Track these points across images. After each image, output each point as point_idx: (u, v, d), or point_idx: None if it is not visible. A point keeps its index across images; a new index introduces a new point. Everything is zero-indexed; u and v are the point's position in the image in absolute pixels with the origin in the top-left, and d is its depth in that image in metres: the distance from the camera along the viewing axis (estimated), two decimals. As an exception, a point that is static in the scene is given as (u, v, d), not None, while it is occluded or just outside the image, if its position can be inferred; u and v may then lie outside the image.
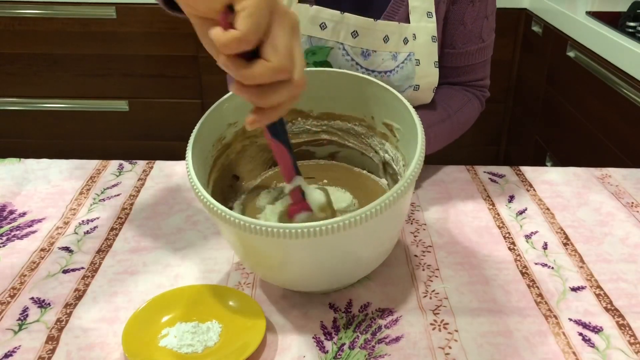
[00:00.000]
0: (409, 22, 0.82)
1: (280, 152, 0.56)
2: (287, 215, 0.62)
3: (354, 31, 0.79)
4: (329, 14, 0.79)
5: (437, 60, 0.84)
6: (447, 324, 0.61)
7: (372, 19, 0.79)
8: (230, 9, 0.43)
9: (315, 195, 0.60)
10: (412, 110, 0.63)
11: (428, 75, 0.83)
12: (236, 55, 0.43)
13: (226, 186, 0.70)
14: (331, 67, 0.80)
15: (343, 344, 0.58)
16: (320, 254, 0.56)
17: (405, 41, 0.81)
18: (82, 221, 0.77)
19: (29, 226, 0.76)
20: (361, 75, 0.68)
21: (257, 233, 0.52)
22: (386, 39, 0.80)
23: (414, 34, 0.82)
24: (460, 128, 0.92)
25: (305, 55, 0.80)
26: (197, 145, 0.61)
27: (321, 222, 0.51)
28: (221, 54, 0.43)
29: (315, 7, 0.79)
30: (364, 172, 0.75)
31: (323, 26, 0.79)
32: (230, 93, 0.68)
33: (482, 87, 0.96)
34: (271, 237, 0.52)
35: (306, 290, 0.64)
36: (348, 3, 0.81)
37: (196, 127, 0.63)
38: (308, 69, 0.72)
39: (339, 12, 0.79)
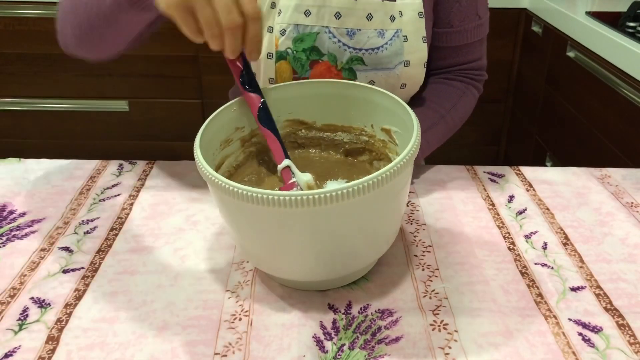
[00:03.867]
0: (394, 0, 0.83)
1: (269, 137, 0.66)
2: None
3: (336, 12, 0.81)
4: (311, 0, 0.81)
5: (425, 35, 0.85)
6: (446, 324, 0.61)
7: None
8: None
9: (302, 176, 0.67)
10: (405, 105, 0.65)
11: (417, 50, 0.85)
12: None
13: None
14: (320, 51, 0.82)
15: (343, 344, 0.58)
16: (316, 226, 0.56)
17: (392, 19, 0.83)
18: (82, 221, 0.77)
19: (29, 226, 0.76)
20: (354, 82, 0.70)
21: (256, 202, 0.52)
22: (369, 17, 0.82)
23: (400, 11, 0.83)
24: (455, 125, 0.93)
25: (294, 43, 0.82)
26: (205, 136, 0.63)
27: (318, 191, 0.52)
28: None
29: None
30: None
31: (307, 13, 0.81)
32: (238, 98, 0.70)
33: (479, 68, 0.96)
34: (270, 205, 0.52)
35: (301, 280, 0.64)
36: None
37: (206, 122, 0.65)
38: (308, 80, 0.73)
39: None
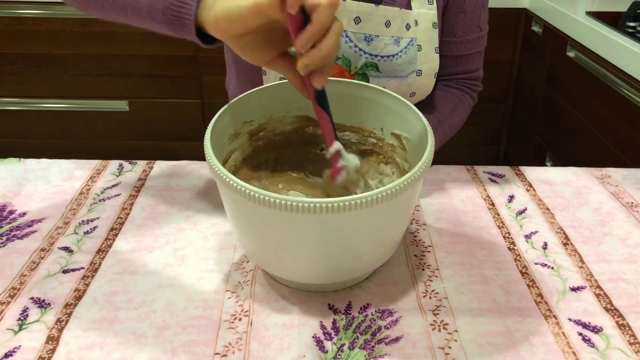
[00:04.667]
0: (411, 9, 0.83)
1: (323, 118, 0.63)
2: (330, 179, 0.66)
3: (356, 17, 0.81)
4: None
5: (437, 46, 0.86)
6: (447, 324, 0.61)
7: (374, 4, 0.81)
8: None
9: (350, 159, 0.65)
10: (419, 113, 0.64)
11: (430, 60, 0.85)
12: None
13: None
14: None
15: (343, 344, 0.58)
16: (325, 232, 0.56)
17: (408, 27, 0.83)
18: (82, 221, 0.77)
19: (29, 226, 0.76)
20: (370, 85, 0.70)
21: (267, 205, 0.52)
22: (388, 24, 0.82)
23: (416, 20, 0.84)
24: (451, 132, 0.94)
25: None
26: (214, 131, 0.62)
27: (330, 199, 0.52)
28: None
29: None
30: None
31: None
32: (247, 92, 0.69)
33: (476, 79, 0.97)
34: (281, 210, 0.52)
35: (304, 282, 0.64)
36: None
37: (215, 117, 0.64)
38: None
39: None
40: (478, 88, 0.98)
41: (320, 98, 0.62)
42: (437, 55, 0.85)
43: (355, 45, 0.81)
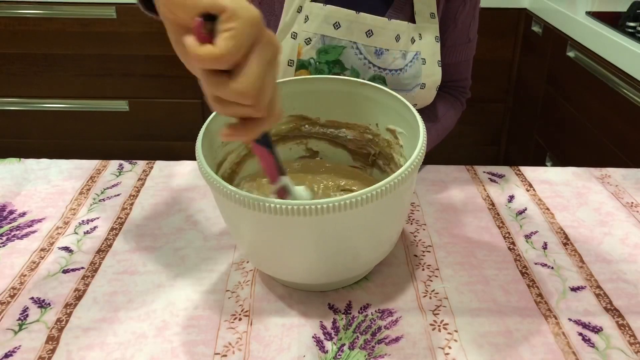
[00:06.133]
0: (414, 22, 0.84)
1: (263, 155, 0.53)
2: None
3: (368, 30, 0.80)
4: (343, 13, 0.80)
5: (440, 59, 0.86)
6: (446, 324, 0.61)
7: (386, 19, 0.81)
8: (207, 19, 0.40)
9: (300, 193, 0.59)
10: (413, 109, 0.64)
11: (433, 73, 0.85)
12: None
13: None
14: (343, 66, 0.82)
15: (343, 344, 0.58)
16: (321, 233, 0.56)
17: (413, 41, 0.83)
18: (82, 221, 0.77)
19: (29, 226, 0.76)
20: (366, 82, 0.70)
21: (259, 210, 0.52)
22: (397, 38, 0.82)
23: (420, 34, 0.84)
24: (443, 133, 0.95)
25: (318, 54, 0.81)
26: (207, 135, 0.62)
27: (323, 200, 0.51)
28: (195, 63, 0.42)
29: (329, 6, 0.80)
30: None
31: (337, 25, 0.80)
32: None
33: (464, 87, 0.98)
34: (275, 214, 0.52)
35: (303, 282, 0.64)
36: (341, 2, 0.81)
37: (207, 121, 0.64)
38: (313, 76, 0.73)
39: (354, 11, 0.80)
40: (467, 95, 0.99)
41: (263, 137, 0.51)
42: (440, 68, 0.86)
43: (365, 58, 0.81)
